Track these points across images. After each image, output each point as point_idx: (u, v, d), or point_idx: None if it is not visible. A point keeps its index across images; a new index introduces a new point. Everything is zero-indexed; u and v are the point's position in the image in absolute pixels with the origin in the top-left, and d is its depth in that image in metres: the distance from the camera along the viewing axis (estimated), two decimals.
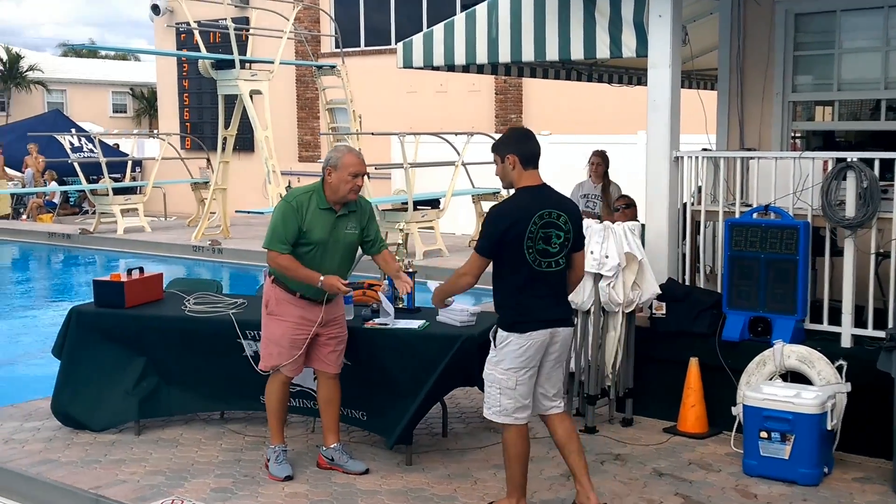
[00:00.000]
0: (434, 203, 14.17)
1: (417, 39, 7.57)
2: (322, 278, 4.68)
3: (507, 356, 4.23)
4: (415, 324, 5.21)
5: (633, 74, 10.20)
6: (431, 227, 13.86)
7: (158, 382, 5.61)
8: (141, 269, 5.81)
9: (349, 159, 4.74)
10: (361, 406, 5.31)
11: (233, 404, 5.72)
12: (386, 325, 5.24)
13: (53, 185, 20.60)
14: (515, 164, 4.27)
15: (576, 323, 5.75)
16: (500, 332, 4.27)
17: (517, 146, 4.30)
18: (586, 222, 5.79)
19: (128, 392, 5.58)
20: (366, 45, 20.27)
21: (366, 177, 4.93)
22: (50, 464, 5.14)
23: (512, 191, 4.38)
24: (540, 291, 4.25)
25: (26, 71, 35.54)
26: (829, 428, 4.83)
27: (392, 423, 5.13)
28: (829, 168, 5.50)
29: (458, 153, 14.32)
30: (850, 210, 5.33)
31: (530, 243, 4.19)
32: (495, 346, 4.29)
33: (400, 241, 7.42)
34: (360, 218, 4.93)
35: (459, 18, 7.26)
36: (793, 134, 7.27)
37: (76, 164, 18.03)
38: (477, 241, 4.31)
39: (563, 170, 14.70)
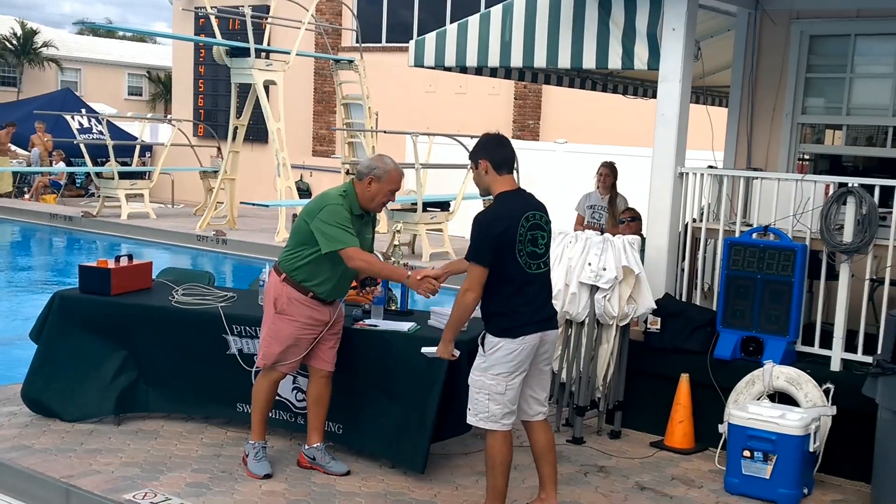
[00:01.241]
0: (444, 205, 14.14)
1: (430, 38, 7.55)
2: (409, 274, 4.65)
3: (498, 361, 4.21)
4: (404, 326, 5.18)
5: (649, 87, 10.15)
6: (440, 230, 13.82)
7: (137, 378, 5.52)
8: (129, 257, 5.76)
9: (395, 175, 4.74)
10: (338, 418, 5.18)
11: (210, 411, 5.57)
12: (376, 326, 5.21)
13: (60, 166, 20.52)
14: (488, 169, 4.29)
15: (569, 334, 5.73)
16: (490, 338, 4.25)
17: (488, 151, 4.32)
18: (586, 233, 5.78)
19: (105, 385, 5.50)
20: (387, 42, 20.25)
21: None
22: (23, 450, 5.09)
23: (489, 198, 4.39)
24: (529, 295, 4.24)
25: (40, 47, 34.88)
26: (811, 450, 4.84)
27: (379, 437, 5.04)
28: (831, 192, 5.46)
29: None
30: (847, 235, 5.31)
31: (521, 246, 4.19)
32: (484, 352, 4.26)
33: (398, 243, 7.38)
34: (372, 224, 4.99)
35: (473, 19, 7.23)
36: (801, 156, 7.22)
37: (82, 146, 18.01)
38: (471, 253, 4.25)
39: (576, 178, 14.79)
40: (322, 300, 4.78)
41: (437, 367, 4.89)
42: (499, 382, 4.22)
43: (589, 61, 6.57)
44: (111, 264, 5.57)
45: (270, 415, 5.16)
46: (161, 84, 38.40)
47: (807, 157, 7.32)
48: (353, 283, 5.91)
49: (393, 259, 5.77)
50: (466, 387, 4.96)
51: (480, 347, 4.29)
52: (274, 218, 15.38)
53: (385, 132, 14.86)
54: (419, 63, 7.70)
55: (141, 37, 44.47)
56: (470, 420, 4.35)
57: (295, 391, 5.31)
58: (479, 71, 8.31)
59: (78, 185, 21.70)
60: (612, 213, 8.36)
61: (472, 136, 14.84)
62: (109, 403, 5.50)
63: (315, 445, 4.97)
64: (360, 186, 4.73)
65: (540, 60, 6.84)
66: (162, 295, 5.62)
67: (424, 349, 4.53)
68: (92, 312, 5.54)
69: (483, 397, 4.26)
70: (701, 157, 7.59)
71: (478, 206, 15.18)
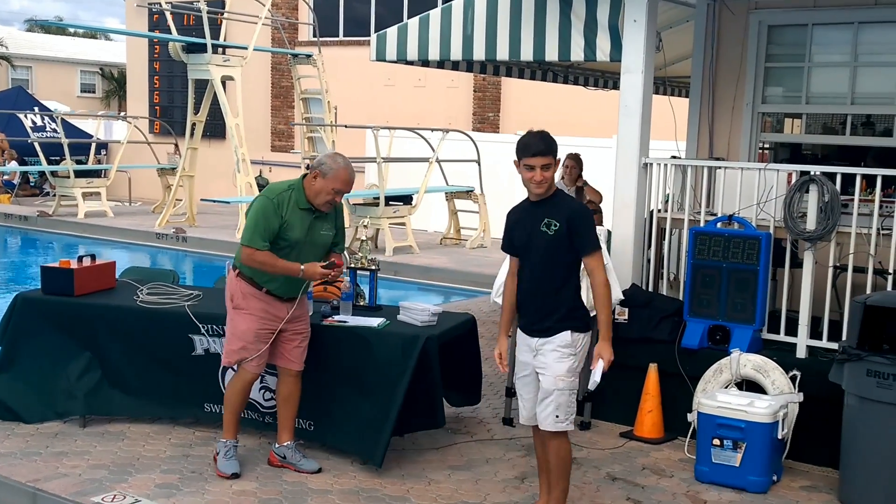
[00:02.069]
0: (406, 199, 14.10)
1: (392, 32, 7.50)
2: (303, 268, 4.60)
3: (582, 356, 4.19)
4: (374, 322, 5.15)
5: (609, 78, 10.21)
6: (403, 224, 13.79)
7: (101, 380, 5.43)
8: (93, 257, 5.66)
9: (342, 174, 4.59)
10: (309, 415, 5.14)
11: (177, 411, 5.48)
12: (345, 322, 5.17)
13: (13, 165, 20.14)
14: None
15: None
16: (576, 335, 4.13)
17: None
18: None
19: (69, 387, 5.41)
20: (344, 35, 20.13)
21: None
22: None
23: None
24: None
25: None
26: (779, 437, 4.90)
27: (349, 433, 5.01)
28: (793, 180, 5.53)
29: (433, 149, 14.26)
30: (810, 223, 5.38)
31: None
32: (574, 353, 4.13)
33: (363, 238, 7.34)
34: (335, 219, 4.85)
35: (435, 13, 7.20)
36: (761, 145, 7.31)
37: (36, 144, 17.67)
38: (595, 242, 4.12)
39: None
40: (277, 296, 4.72)
41: (406, 361, 4.88)
42: (576, 378, 4.17)
43: (551, 54, 6.57)
44: (74, 264, 5.46)
45: (248, 414, 5.11)
46: (114, 81, 37.80)
47: (767, 145, 7.41)
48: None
49: (360, 254, 5.72)
50: (437, 380, 4.96)
51: (565, 349, 4.10)
52: (234, 214, 15.23)
53: (346, 126, 14.78)
54: (381, 57, 7.65)
55: (93, 33, 43.65)
56: (561, 426, 4.12)
57: (263, 391, 5.26)
58: (440, 64, 8.29)
59: (32, 184, 21.30)
60: None
61: (432, 130, 14.92)
62: (74, 405, 5.41)
63: (286, 444, 4.93)
64: (308, 181, 4.65)
65: (502, 53, 6.83)
66: (126, 294, 5.54)
67: (593, 382, 4.16)
68: (55, 313, 5.45)
69: (573, 399, 4.15)
70: (664, 147, 7.65)
71: (440, 199, 15.19)
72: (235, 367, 4.86)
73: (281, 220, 4.57)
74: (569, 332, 4.12)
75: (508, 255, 4.39)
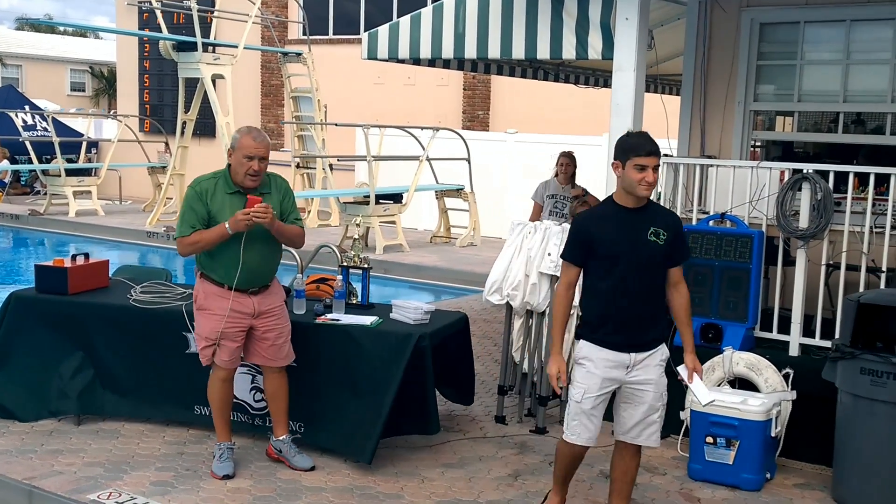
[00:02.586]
0: (397, 197, 14.09)
1: (383, 31, 7.49)
2: (227, 224, 4.48)
3: None
4: (367, 320, 5.14)
5: (600, 76, 10.22)
6: (393, 222, 13.78)
7: (94, 380, 5.41)
8: (86, 255, 5.65)
9: (245, 141, 4.53)
10: (299, 417, 5.10)
11: (169, 413, 5.44)
12: (338, 320, 5.16)
13: (5, 164, 20.08)
14: None
15: (531, 324, 5.75)
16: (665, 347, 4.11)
17: None
18: (545, 223, 5.80)
19: (63, 386, 5.39)
20: (334, 34, 20.10)
21: (264, 161, 4.59)
22: None
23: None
24: None
25: None
26: (773, 435, 4.91)
27: (340, 433, 4.99)
28: (786, 178, 5.54)
29: (423, 148, 14.25)
30: (803, 221, 5.39)
31: None
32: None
33: (356, 236, 7.34)
34: (278, 198, 4.71)
35: (426, 11, 7.19)
36: (753, 143, 7.32)
37: (27, 143, 17.60)
38: (688, 250, 4.19)
39: (527, 168, 14.87)
40: (241, 290, 4.66)
41: (399, 358, 4.87)
42: None
43: (543, 52, 6.57)
44: (68, 263, 5.45)
45: (232, 417, 5.06)
46: (104, 79, 37.71)
47: (759, 143, 7.42)
48: (311, 277, 5.85)
49: (352, 253, 5.71)
50: (430, 379, 4.95)
51: (664, 362, 4.06)
52: None
53: (336, 125, 14.76)
54: (372, 56, 7.64)
55: (82, 32, 43.50)
56: (657, 444, 4.18)
57: (253, 391, 5.25)
58: (432, 63, 8.28)
59: (23, 182, 21.23)
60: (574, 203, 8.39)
61: (422, 128, 14.91)
62: (67, 404, 5.40)
63: (281, 438, 4.93)
64: (229, 162, 4.66)
65: (494, 52, 6.82)
66: (120, 293, 5.52)
67: (704, 396, 4.21)
68: (49, 312, 5.43)
69: None
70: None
71: (430, 197, 15.19)
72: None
73: (206, 207, 4.55)
74: (664, 344, 4.07)
75: (567, 264, 4.08)
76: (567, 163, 8.46)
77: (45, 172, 17.82)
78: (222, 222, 4.51)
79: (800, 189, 5.40)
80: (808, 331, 5.48)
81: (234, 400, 5.06)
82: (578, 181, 8.59)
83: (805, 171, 5.39)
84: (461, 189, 14.58)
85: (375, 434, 4.81)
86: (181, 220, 4.63)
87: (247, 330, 4.75)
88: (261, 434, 5.22)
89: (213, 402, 4.83)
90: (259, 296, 4.74)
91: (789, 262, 5.66)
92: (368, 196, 13.29)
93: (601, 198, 8.21)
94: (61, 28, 39.78)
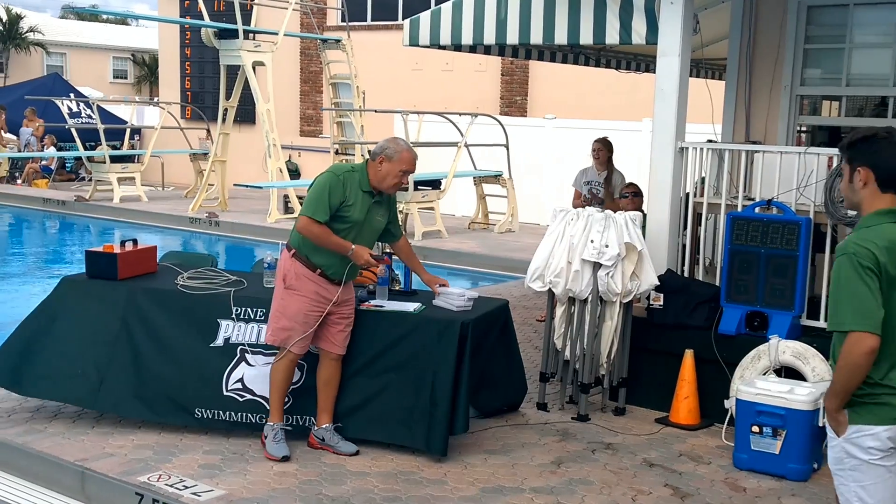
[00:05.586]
0: (435, 184, 14.10)
1: (425, 17, 7.48)
2: (353, 247, 4.72)
3: None
4: (410, 307, 5.17)
5: (642, 61, 10.12)
6: (431, 208, 13.79)
7: (126, 378, 5.19)
8: (135, 241, 5.73)
9: (406, 156, 4.80)
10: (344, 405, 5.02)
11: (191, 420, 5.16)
12: (382, 307, 5.19)
13: (52, 151, 20.42)
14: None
15: (573, 311, 5.74)
16: None
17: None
18: (587, 210, 5.77)
19: (92, 377, 5.20)
20: (372, 20, 20.11)
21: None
22: (36, 434, 5.09)
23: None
24: None
25: (26, 32, 34.83)
26: (820, 424, 4.83)
27: (389, 422, 4.96)
28: (834, 164, 5.46)
29: (462, 134, 14.24)
30: None
31: None
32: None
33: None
34: (388, 207, 5.01)
35: None
36: (799, 128, 7.22)
37: (73, 130, 17.89)
38: None
39: (565, 154, 14.80)
40: (329, 278, 4.79)
41: (447, 345, 4.87)
42: None
43: (586, 37, 6.53)
44: (117, 249, 5.53)
45: (237, 418, 5.07)
46: (146, 67, 38.14)
47: (804, 128, 7.32)
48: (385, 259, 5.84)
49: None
50: (495, 361, 4.90)
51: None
52: (265, 199, 15.32)
53: (375, 111, 14.79)
54: (414, 42, 7.64)
55: (124, 20, 43.99)
56: None
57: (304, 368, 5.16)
58: (472, 48, 8.26)
59: (68, 169, 21.57)
60: (607, 189, 8.33)
61: (460, 114, 14.86)
62: (106, 399, 5.22)
63: (324, 426, 4.97)
64: (373, 166, 4.82)
65: (536, 37, 6.79)
66: (168, 279, 5.54)
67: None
68: (99, 296, 5.40)
69: None
70: (700, 130, 7.58)
71: (468, 183, 15.17)
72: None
73: (344, 197, 4.71)
74: None
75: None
76: (600, 148, 8.39)
77: (90, 159, 18.11)
78: (351, 227, 4.74)
79: None
80: None
81: (248, 396, 5.07)
82: (619, 167, 8.52)
83: None
84: (499, 175, 14.55)
85: (441, 426, 4.80)
86: (317, 201, 4.69)
87: (324, 316, 4.83)
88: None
89: (275, 382, 4.89)
90: (344, 286, 4.87)
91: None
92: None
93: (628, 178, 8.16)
94: (104, 16, 40.26)
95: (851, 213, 5.29)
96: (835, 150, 5.64)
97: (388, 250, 5.47)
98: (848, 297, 2.89)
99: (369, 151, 4.95)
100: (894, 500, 3.03)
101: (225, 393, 5.10)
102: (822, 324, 5.49)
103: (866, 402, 2.97)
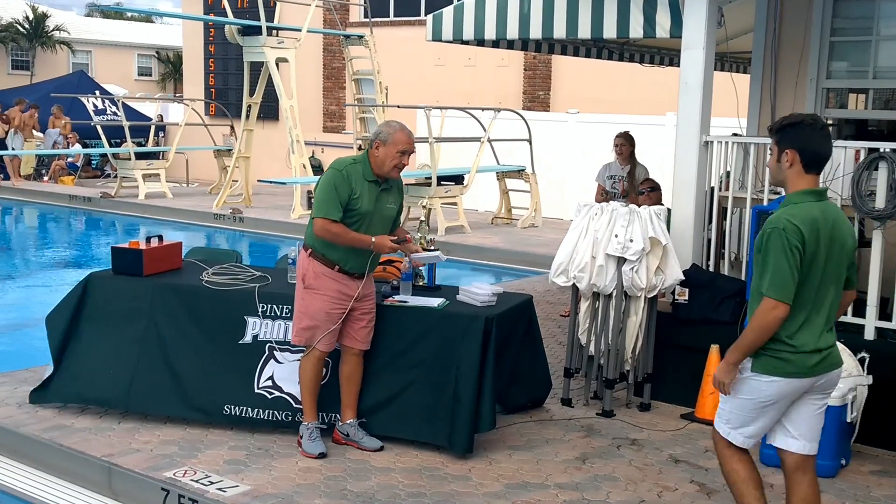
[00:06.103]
0: (458, 179, 14.09)
1: (448, 12, 7.48)
2: (374, 239, 4.70)
3: None
4: (434, 302, 5.17)
5: (665, 55, 10.06)
6: (454, 203, 13.80)
7: (153, 376, 5.24)
8: (160, 237, 5.76)
9: (400, 136, 4.75)
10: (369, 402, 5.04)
11: (217, 416, 5.19)
12: (405, 302, 5.20)
13: (77, 148, 20.62)
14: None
15: (597, 306, 5.71)
16: None
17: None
18: (611, 205, 5.74)
19: (122, 378, 5.24)
20: (395, 16, 20.13)
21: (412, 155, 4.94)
22: (63, 430, 5.14)
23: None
24: None
25: (52, 31, 35.30)
26: (848, 420, 4.79)
27: (414, 419, 4.96)
28: (861, 158, 5.39)
29: (485, 129, 14.21)
30: (879, 201, 5.24)
31: None
32: None
33: (421, 218, 7.38)
34: (397, 194, 4.98)
35: None
36: (825, 121, 7.13)
37: (99, 127, 18.06)
38: None
39: (588, 149, 14.73)
40: (348, 273, 4.79)
41: (471, 340, 4.87)
42: None
43: (609, 31, 6.49)
44: (142, 245, 5.57)
45: (263, 416, 5.10)
46: (170, 64, 38.40)
47: (831, 122, 7.24)
48: (382, 259, 5.88)
49: (419, 235, 5.74)
50: (519, 357, 4.89)
51: None
52: (288, 195, 15.39)
53: (398, 107, 14.80)
54: (437, 37, 7.64)
55: (149, 17, 44.34)
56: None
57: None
58: (495, 43, 8.24)
59: (93, 165, 21.78)
60: (631, 183, 8.29)
61: (483, 109, 14.85)
62: (136, 398, 5.26)
63: (349, 422, 4.99)
64: (371, 154, 4.79)
65: (559, 31, 6.76)
66: (193, 275, 5.55)
67: None
68: (124, 293, 5.43)
69: None
70: (725, 124, 7.51)
71: (490, 178, 15.14)
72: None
73: (350, 191, 4.69)
74: None
75: None
76: (622, 143, 8.34)
77: (115, 156, 18.26)
78: (364, 223, 4.73)
79: (876, 168, 5.25)
80: (884, 314, 5.35)
81: (279, 394, 5.10)
82: (642, 161, 8.47)
83: (882, 149, 5.24)
84: (522, 170, 14.52)
85: (465, 423, 4.80)
86: (326, 200, 4.68)
87: (347, 312, 4.84)
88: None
89: (304, 381, 4.90)
90: (363, 279, 4.86)
91: (865, 243, 5.51)
92: (430, 178, 13.32)
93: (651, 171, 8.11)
94: (129, 14, 40.58)
95: (879, 206, 5.23)
96: (863, 144, 5.59)
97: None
98: (772, 267, 3.37)
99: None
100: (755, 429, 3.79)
101: (256, 390, 5.12)
102: (850, 319, 5.42)
103: (769, 354, 3.50)
